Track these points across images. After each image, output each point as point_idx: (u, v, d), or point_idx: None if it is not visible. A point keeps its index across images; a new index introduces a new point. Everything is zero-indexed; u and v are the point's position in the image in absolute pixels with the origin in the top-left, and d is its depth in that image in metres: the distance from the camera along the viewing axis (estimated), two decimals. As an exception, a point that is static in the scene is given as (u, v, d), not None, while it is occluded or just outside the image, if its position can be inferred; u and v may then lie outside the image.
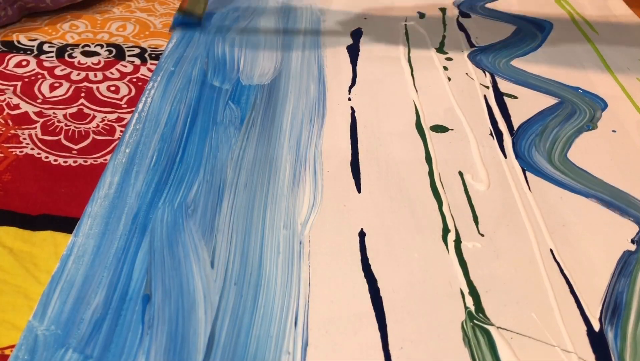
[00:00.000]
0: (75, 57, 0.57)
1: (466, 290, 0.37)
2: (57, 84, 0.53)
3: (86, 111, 0.51)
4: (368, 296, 0.37)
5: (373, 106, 0.53)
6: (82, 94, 0.53)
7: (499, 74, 0.58)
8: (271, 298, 0.36)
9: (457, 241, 0.40)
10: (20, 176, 0.44)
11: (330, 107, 0.52)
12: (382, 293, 0.37)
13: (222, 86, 0.54)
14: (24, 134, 0.48)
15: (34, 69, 0.55)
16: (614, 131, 0.51)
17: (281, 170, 0.45)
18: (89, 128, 0.49)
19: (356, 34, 0.64)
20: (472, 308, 0.36)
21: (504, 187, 0.45)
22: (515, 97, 0.54)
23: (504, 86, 0.56)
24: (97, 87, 0.53)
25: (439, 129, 0.50)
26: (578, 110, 0.53)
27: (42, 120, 0.49)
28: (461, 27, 0.66)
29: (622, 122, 0.52)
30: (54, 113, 0.50)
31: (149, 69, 0.56)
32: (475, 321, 0.35)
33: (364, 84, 0.55)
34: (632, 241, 0.41)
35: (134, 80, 0.55)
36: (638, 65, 0.60)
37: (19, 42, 0.59)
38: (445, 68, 0.58)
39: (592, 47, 0.63)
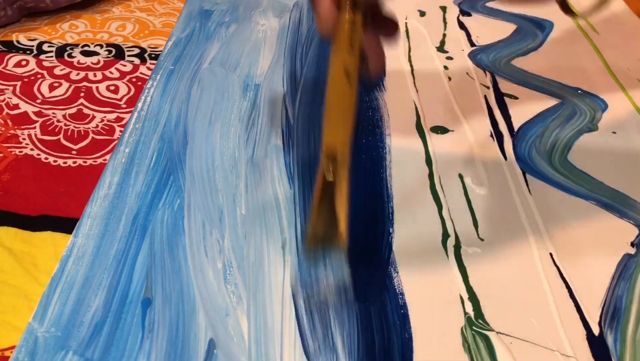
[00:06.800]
0: (75, 57, 0.57)
1: (465, 295, 0.37)
2: (56, 84, 0.53)
3: (86, 111, 0.51)
4: (368, 299, 0.37)
5: (373, 105, 0.52)
6: (82, 94, 0.52)
7: (500, 73, 0.58)
8: (271, 302, 0.36)
9: (457, 246, 0.40)
10: (19, 176, 0.44)
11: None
12: (381, 297, 0.37)
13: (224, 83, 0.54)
14: (23, 134, 0.48)
15: (33, 69, 0.55)
16: (614, 133, 0.51)
17: (282, 171, 0.45)
18: (89, 128, 0.49)
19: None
20: (472, 314, 0.36)
21: (504, 190, 0.45)
22: (516, 98, 0.54)
23: (505, 85, 0.56)
24: (97, 87, 0.53)
25: (439, 130, 0.50)
26: (578, 111, 0.53)
27: (41, 120, 0.49)
28: (462, 25, 0.66)
29: (623, 124, 0.52)
30: (53, 113, 0.50)
31: (148, 68, 0.56)
32: (474, 327, 0.35)
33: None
34: (632, 245, 0.41)
35: (134, 80, 0.55)
36: (638, 65, 0.60)
37: (18, 42, 0.59)
38: (446, 67, 0.58)
39: (593, 47, 0.63)
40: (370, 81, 0.39)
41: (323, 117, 0.34)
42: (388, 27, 0.38)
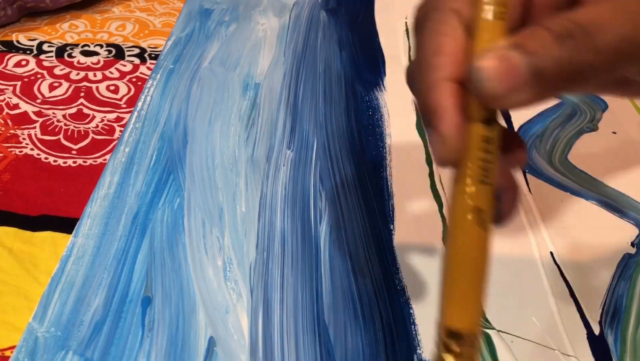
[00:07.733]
0: (75, 56, 0.57)
1: (466, 293, 0.37)
2: (56, 84, 0.53)
3: (85, 111, 0.51)
4: (368, 298, 0.37)
5: (373, 105, 0.52)
6: (82, 94, 0.52)
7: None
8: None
9: (458, 244, 0.40)
10: (19, 176, 0.44)
11: (331, 108, 0.52)
12: (382, 296, 0.37)
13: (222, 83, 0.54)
14: (23, 134, 0.48)
15: (33, 69, 0.55)
16: (614, 132, 0.51)
17: (281, 170, 0.45)
18: (89, 128, 0.49)
19: (356, 34, 0.63)
20: (473, 312, 0.36)
21: (504, 189, 0.45)
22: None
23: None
24: (97, 87, 0.53)
25: (439, 130, 0.50)
26: (578, 111, 0.53)
27: (41, 120, 0.49)
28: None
29: (623, 124, 0.52)
30: (53, 113, 0.50)
31: (148, 68, 0.56)
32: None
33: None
34: (632, 244, 0.41)
35: (134, 79, 0.55)
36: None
37: (18, 41, 0.59)
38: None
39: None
40: (501, 224, 0.27)
41: (442, 280, 0.24)
42: (518, 150, 0.27)
